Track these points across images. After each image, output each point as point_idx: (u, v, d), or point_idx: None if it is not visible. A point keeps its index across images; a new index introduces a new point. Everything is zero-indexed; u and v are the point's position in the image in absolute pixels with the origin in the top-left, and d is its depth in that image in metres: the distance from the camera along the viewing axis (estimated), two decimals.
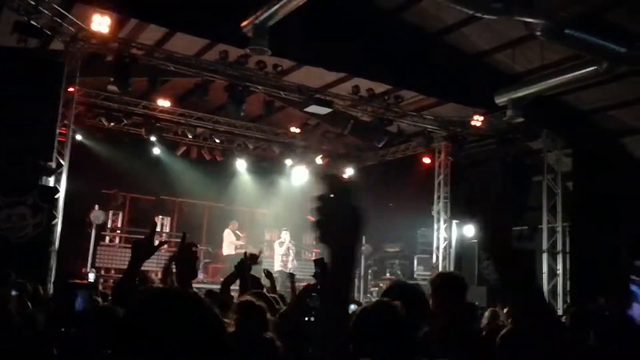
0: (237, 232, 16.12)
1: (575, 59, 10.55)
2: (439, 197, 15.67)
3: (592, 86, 11.60)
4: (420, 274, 15.65)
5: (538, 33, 8.99)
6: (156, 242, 2.86)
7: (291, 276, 6.59)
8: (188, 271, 2.97)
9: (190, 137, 15.84)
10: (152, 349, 1.31)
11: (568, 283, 13.45)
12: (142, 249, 2.90)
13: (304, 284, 13.85)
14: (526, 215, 14.85)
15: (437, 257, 15.48)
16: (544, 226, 13.83)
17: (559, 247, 13.79)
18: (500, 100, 11.90)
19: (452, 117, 14.62)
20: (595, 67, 9.97)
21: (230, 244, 15.61)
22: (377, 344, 2.31)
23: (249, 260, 4.37)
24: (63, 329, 2.04)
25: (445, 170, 15.64)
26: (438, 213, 15.61)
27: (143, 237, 3.08)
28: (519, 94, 11.61)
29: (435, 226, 15.64)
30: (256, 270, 5.21)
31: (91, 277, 11.77)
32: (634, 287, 11.61)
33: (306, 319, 2.96)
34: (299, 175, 18.20)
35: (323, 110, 13.29)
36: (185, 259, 3.02)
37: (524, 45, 11.02)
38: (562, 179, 13.97)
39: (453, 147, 15.16)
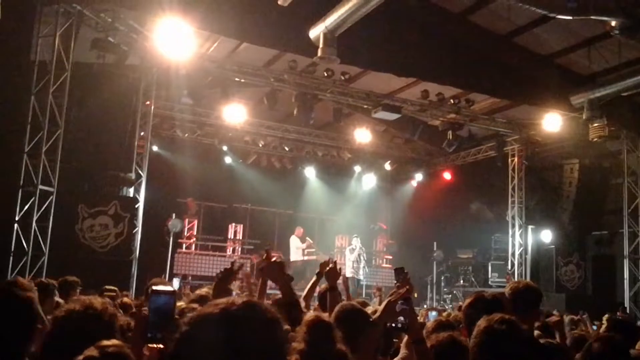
0: (307, 238, 16.23)
1: None
2: (513, 202, 15.30)
3: None
4: (495, 280, 15.34)
5: (615, 31, 8.67)
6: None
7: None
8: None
9: (260, 145, 16.10)
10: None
11: None
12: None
13: (373, 290, 13.71)
14: (605, 219, 14.32)
15: (512, 263, 15.11)
16: (625, 230, 13.25)
17: None
18: (577, 101, 11.53)
19: (525, 120, 14.26)
20: None
21: (297, 250, 15.74)
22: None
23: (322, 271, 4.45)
24: (149, 335, 2.12)
25: (519, 174, 15.26)
26: (513, 218, 15.24)
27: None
28: (596, 95, 11.22)
29: (510, 232, 15.27)
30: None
31: (175, 284, 12.14)
32: None
33: (393, 325, 3.00)
34: (368, 181, 18.18)
35: (392, 116, 13.23)
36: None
37: (600, 44, 10.65)
38: None
39: (527, 150, 14.79)
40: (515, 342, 2.41)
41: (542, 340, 3.44)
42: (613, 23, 8.58)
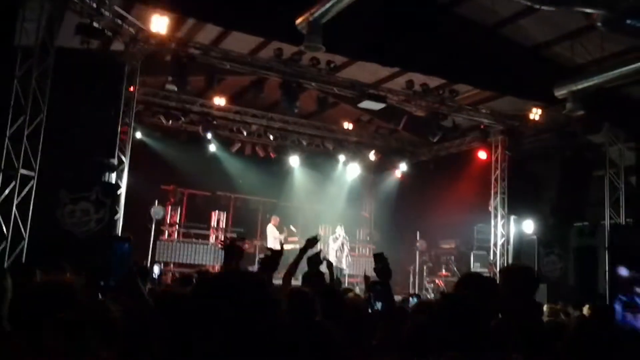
0: (290, 226, 16.24)
1: (637, 50, 10.20)
2: (496, 193, 15.41)
3: None
4: (477, 270, 15.45)
5: (598, 24, 8.72)
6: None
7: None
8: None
9: (245, 134, 16.07)
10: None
11: None
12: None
13: (358, 279, 13.86)
14: (587, 210, 14.47)
15: (495, 253, 15.24)
16: (607, 222, 13.41)
17: None
18: (560, 92, 11.60)
19: (509, 111, 14.36)
20: None
21: (275, 240, 15.74)
22: (452, 334, 2.34)
23: (309, 244, 4.57)
24: (102, 283, 2.17)
25: (502, 165, 15.37)
26: (495, 208, 15.36)
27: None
28: (579, 87, 11.29)
29: (493, 222, 15.39)
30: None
31: (156, 269, 12.11)
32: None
33: (370, 309, 3.07)
34: (352, 171, 18.23)
35: (377, 106, 13.25)
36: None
37: (584, 37, 10.73)
38: (625, 173, 13.52)
39: (510, 142, 14.89)
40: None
41: None
42: (596, 15, 8.63)
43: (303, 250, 4.57)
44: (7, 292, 2.50)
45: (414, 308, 3.78)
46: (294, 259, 4.43)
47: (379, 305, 3.04)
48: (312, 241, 4.59)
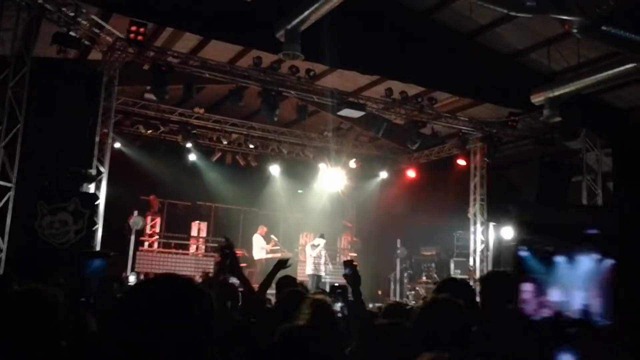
0: (271, 236, 16.20)
1: (612, 57, 10.37)
2: (475, 199, 15.52)
3: (631, 84, 11.38)
4: (458, 277, 15.52)
5: (574, 30, 8.85)
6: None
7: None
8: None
9: (225, 143, 16.02)
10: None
11: None
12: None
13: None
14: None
15: (474, 260, 15.33)
16: None
17: None
18: (537, 99, 11.73)
19: (487, 118, 14.50)
20: (634, 64, 9.76)
21: (261, 249, 15.69)
22: (440, 338, 2.35)
23: (281, 265, 4.59)
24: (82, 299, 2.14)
25: (481, 171, 15.50)
26: (474, 215, 15.46)
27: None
28: (555, 93, 11.43)
29: (472, 229, 15.49)
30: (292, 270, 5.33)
31: (132, 279, 11.99)
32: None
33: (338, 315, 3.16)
34: (333, 179, 18.24)
35: (356, 114, 13.29)
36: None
37: (560, 44, 10.87)
38: (603, 179, 13.70)
39: (489, 149, 15.02)
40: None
41: None
42: (572, 22, 8.76)
43: (274, 270, 4.56)
44: None
45: (384, 311, 3.84)
46: (266, 277, 4.44)
47: (338, 306, 3.15)
48: (284, 263, 4.62)
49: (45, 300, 2.43)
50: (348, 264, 3.40)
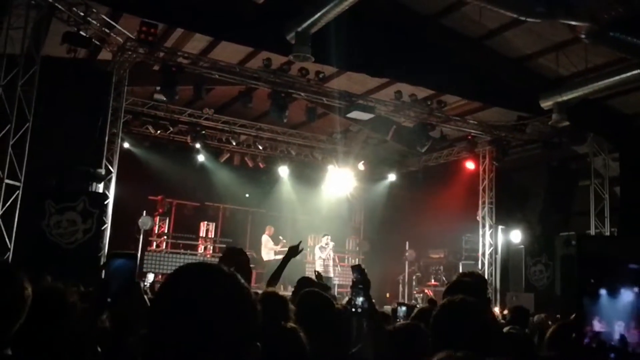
0: (279, 237, 16.22)
1: (620, 62, 10.33)
2: (483, 203, 15.49)
3: (638, 89, 11.33)
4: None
5: (582, 36, 8.84)
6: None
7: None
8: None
9: (234, 144, 16.07)
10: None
11: None
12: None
13: (346, 290, 13.86)
14: (572, 220, 14.57)
15: (483, 263, 15.29)
16: (592, 232, 13.52)
17: None
18: (545, 104, 11.72)
19: (496, 122, 14.46)
20: None
21: (269, 250, 15.71)
22: (458, 339, 2.34)
23: (292, 252, 4.60)
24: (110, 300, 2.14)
25: (489, 175, 15.46)
26: (483, 218, 15.43)
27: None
28: (564, 98, 11.41)
29: (481, 232, 15.46)
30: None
31: (150, 277, 12.05)
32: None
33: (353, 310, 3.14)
34: (341, 181, 18.24)
35: (365, 116, 13.30)
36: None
37: (568, 49, 10.84)
38: (610, 183, 13.64)
39: (497, 152, 14.98)
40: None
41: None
42: (580, 28, 8.74)
43: (286, 259, 4.58)
44: (26, 306, 2.15)
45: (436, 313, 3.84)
46: (276, 267, 4.43)
47: (359, 301, 3.11)
48: (295, 250, 4.62)
49: (59, 299, 2.45)
50: (356, 268, 3.35)
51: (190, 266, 1.43)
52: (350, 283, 3.44)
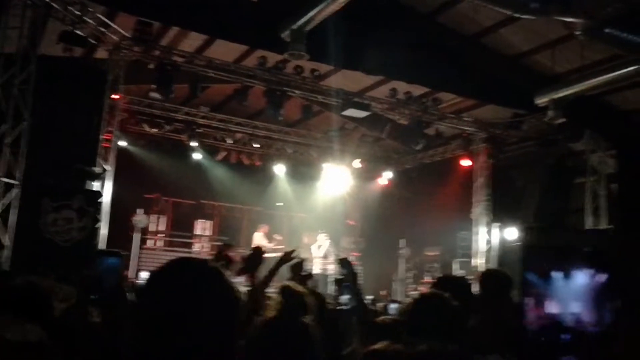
0: (274, 235, 16.20)
1: (616, 59, 10.36)
2: (479, 200, 15.51)
3: (635, 86, 11.35)
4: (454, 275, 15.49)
5: (578, 33, 8.85)
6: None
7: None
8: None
9: (229, 142, 16.07)
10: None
11: None
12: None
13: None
14: (569, 217, 14.60)
15: (478, 260, 15.31)
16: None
17: None
18: (541, 100, 11.73)
19: (491, 119, 14.49)
20: (638, 67, 9.75)
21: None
22: (432, 333, 2.37)
23: (287, 257, 4.54)
24: (93, 297, 2.15)
25: (485, 172, 15.48)
26: (479, 216, 15.44)
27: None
28: (559, 94, 11.42)
29: (475, 229, 15.48)
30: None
31: (145, 276, 12.04)
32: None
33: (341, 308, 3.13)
34: (337, 179, 18.25)
35: (361, 114, 13.31)
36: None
37: (564, 46, 10.86)
38: (606, 180, 13.66)
39: (493, 149, 15.00)
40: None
41: None
42: (576, 24, 8.76)
43: (279, 264, 4.51)
44: None
45: (409, 308, 3.84)
46: (269, 270, 4.39)
47: (344, 298, 3.11)
48: (289, 256, 4.55)
49: (40, 293, 2.47)
50: (343, 261, 3.34)
51: (174, 261, 1.47)
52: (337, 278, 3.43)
